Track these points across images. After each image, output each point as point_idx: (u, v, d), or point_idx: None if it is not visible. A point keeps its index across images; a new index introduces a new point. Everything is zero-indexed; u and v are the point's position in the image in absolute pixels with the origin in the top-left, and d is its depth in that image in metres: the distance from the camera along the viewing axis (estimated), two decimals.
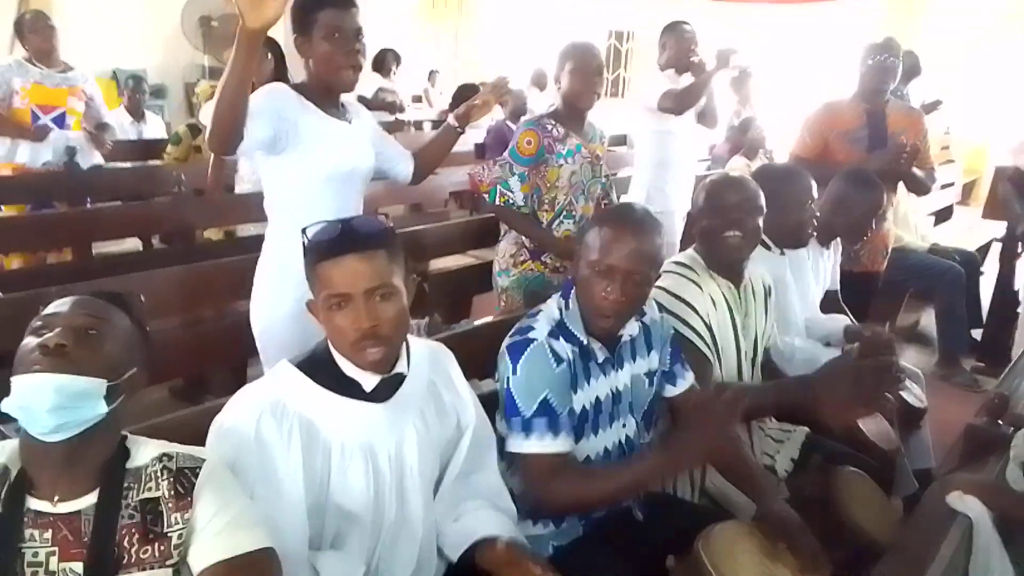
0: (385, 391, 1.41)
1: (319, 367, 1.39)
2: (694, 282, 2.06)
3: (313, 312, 1.40)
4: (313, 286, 1.37)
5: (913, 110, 3.62)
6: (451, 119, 2.48)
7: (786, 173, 2.46)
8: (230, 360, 2.88)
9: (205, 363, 2.88)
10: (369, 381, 1.39)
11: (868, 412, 2.11)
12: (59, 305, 1.14)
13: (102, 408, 1.09)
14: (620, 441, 1.79)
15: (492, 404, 1.68)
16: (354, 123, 2.14)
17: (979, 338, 4.32)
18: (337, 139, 2.06)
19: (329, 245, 1.34)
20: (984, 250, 5.04)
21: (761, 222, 2.06)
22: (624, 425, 1.79)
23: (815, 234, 2.51)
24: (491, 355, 1.74)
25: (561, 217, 2.81)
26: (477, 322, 2.95)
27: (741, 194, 2.04)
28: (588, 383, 1.70)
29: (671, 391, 1.88)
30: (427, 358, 1.51)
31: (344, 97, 2.15)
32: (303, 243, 1.38)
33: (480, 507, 1.49)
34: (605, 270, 1.62)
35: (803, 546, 1.58)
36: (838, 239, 2.80)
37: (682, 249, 2.32)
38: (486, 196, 2.80)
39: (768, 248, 2.39)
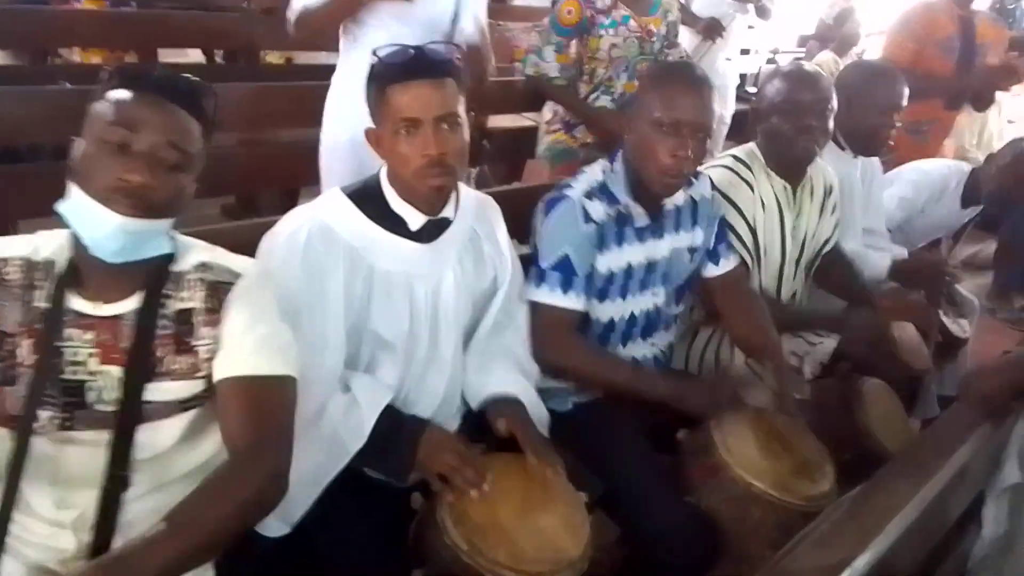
0: (429, 233, 1.43)
1: (369, 200, 1.41)
2: (746, 181, 1.99)
3: (371, 140, 1.39)
4: (378, 111, 1.36)
5: (999, 20, 3.37)
6: None
7: (874, 72, 2.28)
8: (282, 184, 2.93)
9: (258, 184, 2.93)
10: (415, 220, 1.41)
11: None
12: (142, 114, 1.03)
13: (168, 245, 1.09)
14: (648, 310, 1.80)
15: (528, 266, 1.69)
16: None
17: None
18: None
19: (401, 69, 1.32)
20: None
21: (832, 122, 1.96)
22: (655, 294, 1.80)
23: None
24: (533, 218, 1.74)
25: (599, 92, 2.67)
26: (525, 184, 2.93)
27: (815, 93, 1.91)
28: (620, 246, 1.69)
29: (712, 271, 1.86)
30: (474, 208, 1.52)
31: None
32: (371, 65, 1.36)
33: (505, 365, 1.53)
34: (672, 126, 1.57)
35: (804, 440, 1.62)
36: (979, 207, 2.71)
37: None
38: (520, 64, 2.68)
39: (841, 147, 2.29)
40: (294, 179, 2.71)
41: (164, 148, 1.03)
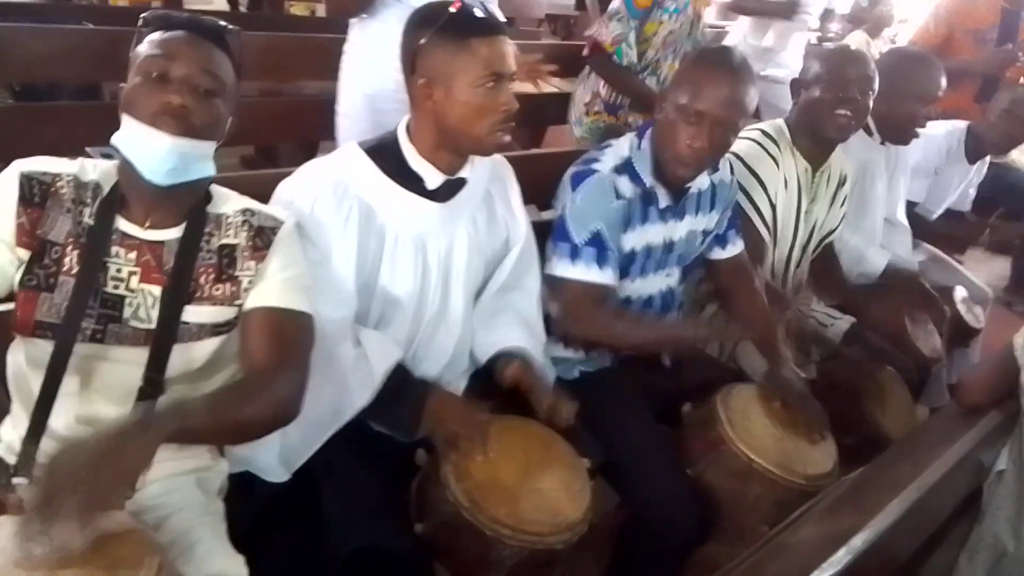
0: (445, 192, 1.42)
1: (386, 156, 1.40)
2: (772, 157, 1.97)
3: (420, 93, 1.34)
4: (450, 62, 1.31)
5: None
6: None
7: (918, 60, 2.24)
8: (302, 136, 2.92)
9: (277, 135, 2.92)
10: (434, 179, 1.40)
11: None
12: (176, 47, 1.11)
13: (211, 169, 1.15)
14: (663, 290, 1.80)
15: (543, 233, 1.68)
16: None
17: None
18: None
19: (484, 23, 1.32)
20: None
21: (871, 104, 1.94)
22: (668, 275, 1.79)
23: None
24: (553, 185, 1.72)
25: (645, 74, 2.63)
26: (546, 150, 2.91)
27: (861, 70, 1.91)
28: (643, 225, 1.68)
29: (719, 254, 1.86)
30: (488, 169, 1.51)
31: None
32: (439, 14, 1.32)
33: (513, 322, 1.54)
34: (694, 115, 1.54)
35: (800, 410, 1.62)
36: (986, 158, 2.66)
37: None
38: (614, 56, 2.57)
39: (869, 133, 2.26)
40: (313, 131, 2.69)
41: (199, 74, 1.11)
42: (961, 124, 2.83)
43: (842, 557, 1.14)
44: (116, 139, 1.10)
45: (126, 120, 1.10)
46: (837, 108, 1.90)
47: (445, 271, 1.46)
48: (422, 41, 1.32)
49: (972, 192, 2.81)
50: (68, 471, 0.86)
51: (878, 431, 1.89)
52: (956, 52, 3.05)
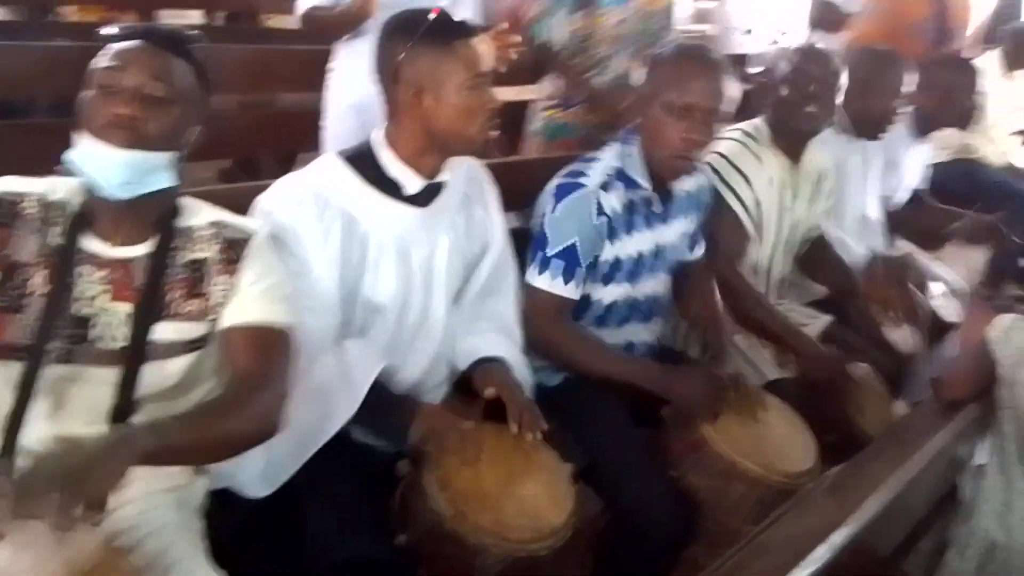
0: (425, 197, 1.43)
1: (364, 164, 1.41)
2: (754, 154, 2.01)
3: (409, 101, 1.35)
4: (435, 67, 1.33)
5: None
6: None
7: (884, 57, 2.31)
8: (280, 148, 2.92)
9: (256, 148, 2.92)
10: (414, 184, 1.41)
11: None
12: (126, 57, 1.10)
13: (170, 179, 1.13)
14: (654, 295, 1.81)
15: (524, 239, 1.69)
16: None
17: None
18: None
19: (462, 26, 1.37)
20: None
21: (839, 100, 1.98)
22: (658, 280, 1.81)
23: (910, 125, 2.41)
24: (532, 191, 1.73)
25: (595, 71, 2.55)
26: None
27: (826, 68, 1.97)
28: (630, 235, 1.70)
29: (688, 256, 1.89)
30: (464, 172, 1.52)
31: None
32: (418, 21, 1.33)
33: (492, 329, 1.55)
34: (684, 109, 1.57)
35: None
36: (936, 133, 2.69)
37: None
38: (530, 31, 2.52)
39: (841, 131, 2.30)
40: (292, 143, 2.70)
41: (149, 83, 1.08)
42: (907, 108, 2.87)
43: (823, 554, 1.15)
44: (71, 155, 1.09)
45: (81, 135, 1.08)
46: (804, 105, 1.96)
47: (427, 276, 1.47)
48: (404, 51, 1.33)
49: (927, 170, 2.83)
50: (45, 474, 0.85)
51: (858, 428, 1.90)
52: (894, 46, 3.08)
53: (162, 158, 1.11)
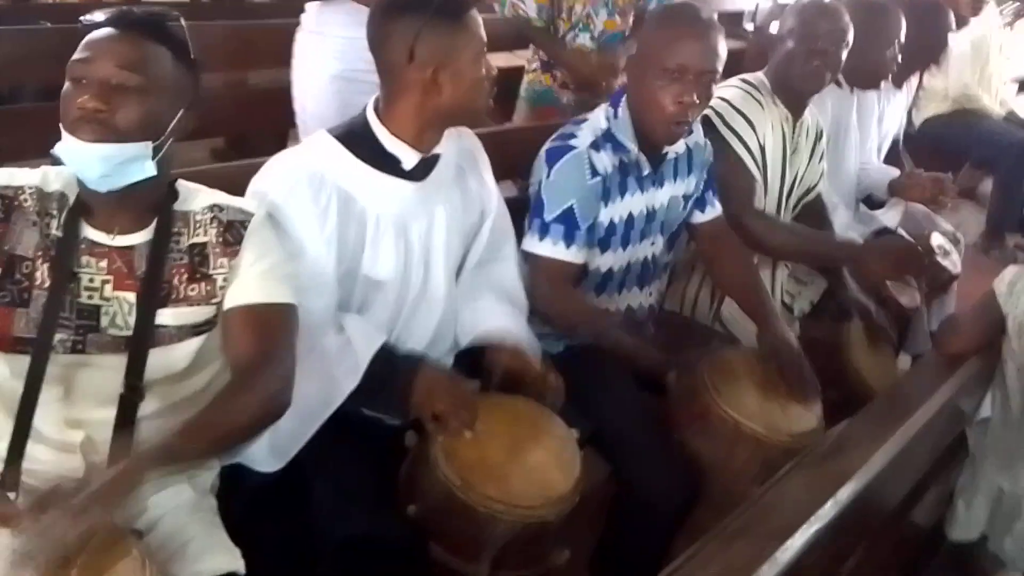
0: (421, 171, 1.42)
1: (358, 141, 1.39)
2: (757, 101, 1.98)
3: (416, 80, 1.32)
4: (446, 43, 1.31)
5: None
6: None
7: (877, 7, 2.25)
8: (271, 125, 2.88)
9: (247, 125, 2.89)
10: (410, 158, 1.39)
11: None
12: (96, 47, 1.07)
13: (151, 169, 1.10)
14: (646, 258, 1.80)
15: (520, 208, 1.68)
16: None
17: None
18: None
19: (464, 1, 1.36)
20: None
21: (845, 56, 1.95)
22: (652, 243, 1.80)
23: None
24: (527, 159, 1.72)
25: (577, 29, 2.54)
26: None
27: (835, 23, 1.92)
28: (623, 197, 1.68)
29: (699, 217, 1.86)
30: (456, 143, 1.50)
31: None
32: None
33: (495, 300, 1.54)
34: (677, 72, 1.54)
35: (794, 373, 1.62)
36: (912, 79, 2.66)
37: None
38: (497, 5, 2.55)
39: (839, 85, 2.27)
40: (283, 120, 2.65)
41: (116, 73, 1.05)
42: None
43: (829, 511, 1.16)
44: (56, 150, 1.07)
45: (63, 131, 1.07)
46: (810, 60, 1.92)
47: (426, 251, 1.46)
48: (418, 29, 1.30)
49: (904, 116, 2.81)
50: (59, 501, 0.89)
51: (862, 384, 1.91)
52: None
53: (138, 148, 1.07)
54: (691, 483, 1.54)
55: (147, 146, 1.08)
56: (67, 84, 1.07)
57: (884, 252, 2.07)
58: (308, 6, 2.13)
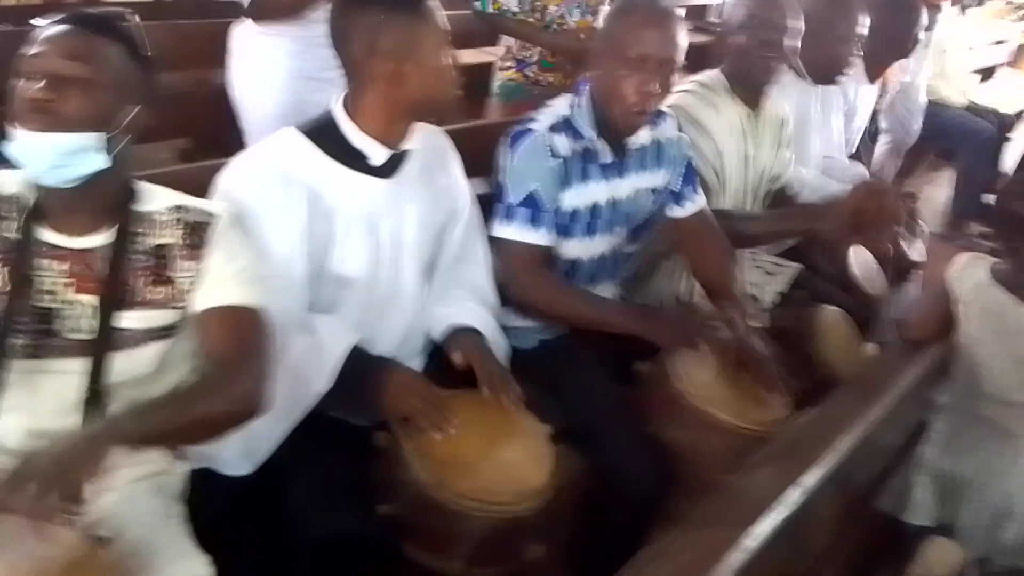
0: (390, 167, 1.42)
1: (326, 137, 1.39)
2: (712, 105, 2.00)
3: (374, 74, 1.33)
4: (409, 36, 1.32)
5: None
6: None
7: (836, 2, 2.28)
8: (237, 125, 2.84)
9: (214, 126, 2.84)
10: (379, 154, 1.39)
11: (864, 240, 2.12)
12: (45, 41, 1.07)
13: (103, 161, 1.09)
14: (613, 249, 1.81)
15: (491, 205, 1.68)
16: None
17: (991, 203, 4.26)
18: None
19: None
20: (1020, 115, 4.84)
21: (798, 46, 1.97)
22: (618, 235, 1.80)
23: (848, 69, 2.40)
24: (494, 156, 1.71)
25: (551, 31, 2.56)
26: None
27: (782, 12, 1.94)
28: (585, 183, 1.69)
29: (678, 212, 1.86)
30: (425, 141, 1.50)
31: None
32: None
33: (464, 297, 1.54)
34: (637, 60, 1.55)
35: (763, 371, 1.64)
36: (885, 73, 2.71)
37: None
38: (477, 3, 2.54)
39: (802, 77, 2.30)
40: None
41: (65, 65, 1.05)
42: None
43: (796, 497, 1.18)
44: (7, 149, 1.06)
45: (12, 125, 1.06)
46: (762, 52, 1.94)
47: (396, 249, 1.46)
48: (379, 21, 1.31)
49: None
50: (24, 468, 0.88)
51: (829, 372, 1.94)
52: None
53: (86, 139, 1.06)
54: (664, 473, 1.56)
55: (97, 137, 1.08)
56: (16, 80, 1.07)
57: (840, 206, 2.05)
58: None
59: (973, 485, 1.65)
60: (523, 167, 1.61)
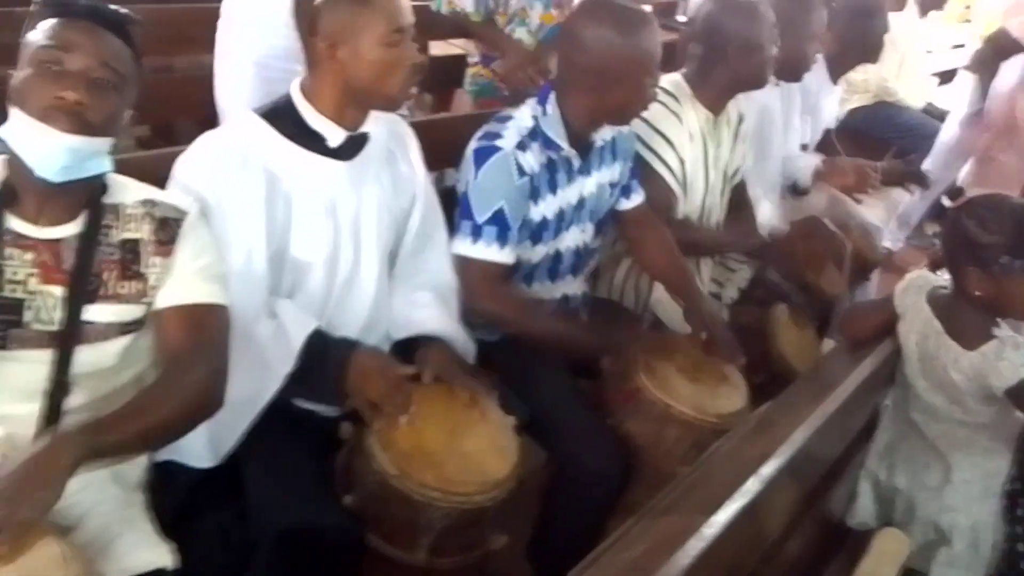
0: (349, 150, 1.41)
1: (283, 119, 1.38)
2: (675, 113, 1.99)
3: (319, 55, 1.33)
4: (354, 21, 1.30)
5: None
6: None
7: (800, 1, 2.29)
8: (199, 112, 2.80)
9: (174, 113, 2.80)
10: (336, 136, 1.38)
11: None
12: (74, 36, 1.05)
13: (107, 164, 1.11)
14: (577, 246, 1.83)
15: (451, 199, 1.68)
16: None
17: (946, 204, 4.37)
18: None
19: None
20: None
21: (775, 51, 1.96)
22: (583, 231, 1.83)
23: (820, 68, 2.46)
24: (462, 148, 1.71)
25: (514, 24, 2.58)
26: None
27: (767, 21, 1.92)
28: (554, 193, 1.70)
29: (624, 205, 1.89)
30: (385, 127, 1.49)
31: None
32: None
33: (431, 298, 1.53)
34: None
35: (723, 341, 1.70)
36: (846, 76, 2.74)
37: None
38: (432, 4, 2.55)
39: None
40: (211, 107, 2.59)
41: (97, 68, 1.05)
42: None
43: (752, 486, 1.21)
44: (3, 132, 1.05)
45: (15, 113, 1.04)
46: (755, 56, 1.93)
47: (356, 232, 1.45)
48: (324, 1, 1.30)
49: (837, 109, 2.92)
50: None
51: (786, 367, 1.99)
52: None
53: (103, 144, 1.09)
54: (624, 464, 1.58)
55: (109, 142, 1.10)
56: (30, 68, 1.04)
57: (790, 242, 2.15)
58: None
59: (906, 498, 1.68)
60: (490, 185, 1.60)
